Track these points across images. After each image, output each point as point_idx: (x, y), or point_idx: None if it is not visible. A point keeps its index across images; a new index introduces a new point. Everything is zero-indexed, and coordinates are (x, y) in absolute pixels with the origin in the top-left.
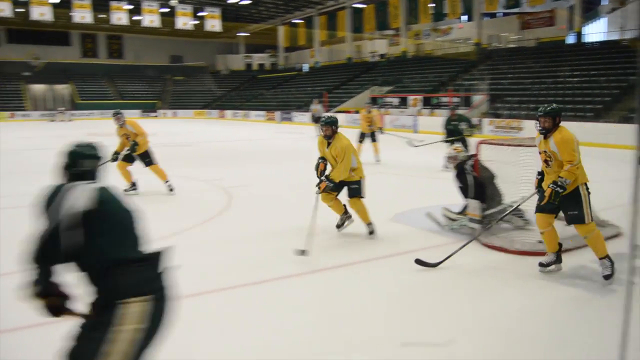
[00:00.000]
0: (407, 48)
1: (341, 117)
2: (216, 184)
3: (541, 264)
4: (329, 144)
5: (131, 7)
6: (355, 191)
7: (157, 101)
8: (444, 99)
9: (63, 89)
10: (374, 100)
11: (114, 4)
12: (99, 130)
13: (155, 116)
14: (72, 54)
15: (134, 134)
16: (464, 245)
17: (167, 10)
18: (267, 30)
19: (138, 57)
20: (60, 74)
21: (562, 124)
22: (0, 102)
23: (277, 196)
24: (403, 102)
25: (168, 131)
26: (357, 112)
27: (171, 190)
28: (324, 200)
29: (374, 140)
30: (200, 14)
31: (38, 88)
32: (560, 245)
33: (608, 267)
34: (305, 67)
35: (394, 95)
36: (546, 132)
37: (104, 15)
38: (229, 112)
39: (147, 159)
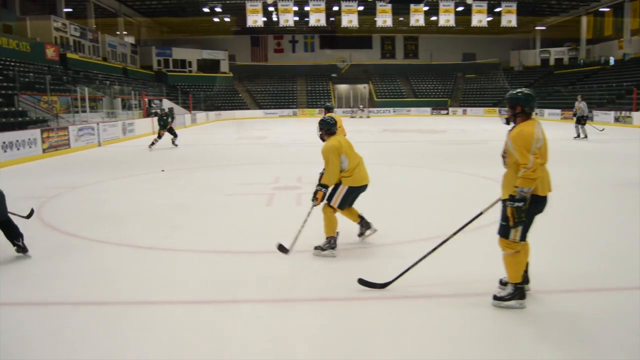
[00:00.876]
0: None
1: None
2: None
3: (495, 297)
4: None
5: (427, 8)
6: (328, 195)
7: (447, 99)
8: None
9: (363, 88)
10: None
11: (413, 7)
12: (392, 126)
13: (446, 113)
14: (372, 55)
15: None
16: (418, 261)
17: (461, 8)
18: (567, 22)
19: (432, 56)
20: (362, 75)
21: None
22: (311, 100)
23: (576, 201)
24: None
25: (458, 129)
26: None
27: None
28: (323, 211)
29: None
30: (496, 9)
31: (342, 87)
32: (526, 277)
33: (509, 293)
34: (612, 61)
35: None
36: (512, 123)
37: (402, 18)
38: None
39: None
